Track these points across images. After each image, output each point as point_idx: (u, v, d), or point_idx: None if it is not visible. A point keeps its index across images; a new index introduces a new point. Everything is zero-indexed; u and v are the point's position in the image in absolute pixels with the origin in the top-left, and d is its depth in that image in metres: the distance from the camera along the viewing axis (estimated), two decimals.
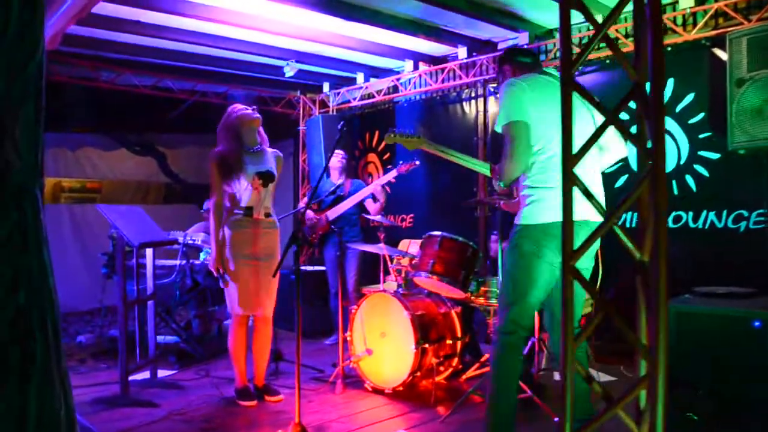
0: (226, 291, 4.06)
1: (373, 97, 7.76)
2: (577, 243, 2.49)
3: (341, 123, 3.76)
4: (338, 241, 5.16)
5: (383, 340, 4.41)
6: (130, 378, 4.24)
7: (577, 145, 1.46)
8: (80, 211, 8.69)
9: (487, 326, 4.32)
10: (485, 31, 6.30)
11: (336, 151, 5.89)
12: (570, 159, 1.54)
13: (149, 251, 4.52)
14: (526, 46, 3.54)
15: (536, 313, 3.11)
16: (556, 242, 2.69)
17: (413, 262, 4.52)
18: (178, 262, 5.16)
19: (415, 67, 7.20)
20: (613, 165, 3.07)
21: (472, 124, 6.70)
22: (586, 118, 2.84)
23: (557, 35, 6.07)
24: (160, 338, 5.41)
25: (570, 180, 1.53)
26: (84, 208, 8.71)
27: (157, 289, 4.63)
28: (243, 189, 4.00)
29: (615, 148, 2.95)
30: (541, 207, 2.74)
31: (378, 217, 4.95)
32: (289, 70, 6.91)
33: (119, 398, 4.15)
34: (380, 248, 4.74)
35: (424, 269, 4.23)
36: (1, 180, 1.62)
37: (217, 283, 4.75)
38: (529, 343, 4.21)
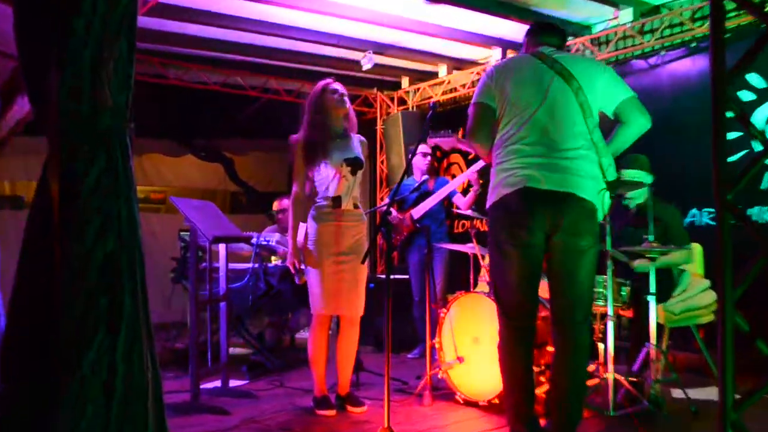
0: (309, 289, 4.07)
1: (456, 91, 7.74)
2: (547, 216, 2.91)
3: (432, 103, 3.80)
4: (425, 242, 5.14)
5: (476, 347, 4.34)
6: (200, 386, 4.32)
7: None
8: (143, 221, 8.97)
9: (593, 331, 4.17)
10: (580, 10, 6.23)
11: (420, 147, 5.92)
12: (724, 184, 1.47)
13: (222, 250, 4.63)
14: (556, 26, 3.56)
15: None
16: (509, 220, 2.95)
17: None
18: (251, 264, 5.24)
19: (504, 56, 7.15)
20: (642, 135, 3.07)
21: None
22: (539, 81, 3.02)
23: (665, 11, 5.92)
24: (231, 350, 5.49)
25: (724, 207, 1.46)
26: (148, 218, 8.97)
27: (229, 292, 4.70)
28: (330, 177, 4.02)
29: (635, 121, 3.00)
30: (494, 184, 3.03)
31: (470, 212, 4.93)
32: (366, 62, 6.99)
33: (190, 405, 4.22)
34: (471, 248, 4.68)
35: None
36: (92, 121, 1.68)
37: (294, 285, 4.82)
38: (642, 350, 4.08)
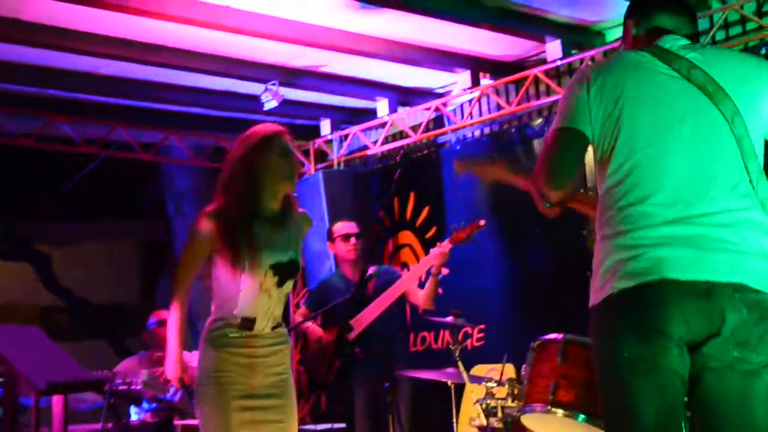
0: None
1: (405, 137, 7.70)
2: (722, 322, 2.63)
3: (401, 155, 3.71)
4: (376, 371, 5.16)
5: None
6: None
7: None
8: None
9: None
10: (589, 9, 6.28)
11: (339, 226, 6.06)
12: None
13: (58, 405, 4.38)
14: None
15: None
16: (636, 327, 2.73)
17: (515, 390, 4.48)
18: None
19: (475, 82, 7.18)
20: None
21: None
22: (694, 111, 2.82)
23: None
24: None
25: None
26: None
27: None
28: (244, 288, 3.96)
29: None
30: (603, 270, 2.81)
31: (449, 318, 5.02)
32: (270, 97, 6.90)
33: None
34: (452, 374, 4.77)
35: (538, 400, 4.15)
36: None
37: None
38: None
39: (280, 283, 4.00)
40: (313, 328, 5.92)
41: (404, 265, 7.66)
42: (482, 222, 5.34)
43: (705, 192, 2.74)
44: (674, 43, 2.90)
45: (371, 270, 5.91)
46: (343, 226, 6.03)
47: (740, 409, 2.74)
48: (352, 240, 5.98)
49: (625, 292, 2.73)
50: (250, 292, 3.96)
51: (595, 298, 2.83)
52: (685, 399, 2.79)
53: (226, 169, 4.06)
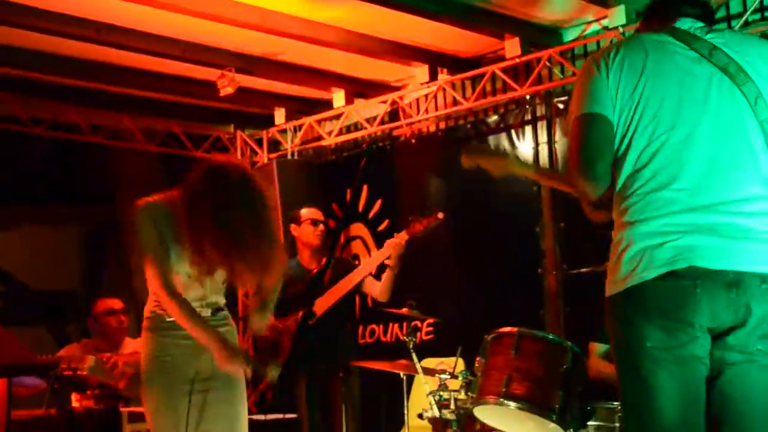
0: None
1: (360, 129, 7.70)
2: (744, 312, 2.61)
3: (368, 145, 3.71)
4: (322, 360, 5.21)
5: None
6: None
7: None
8: None
9: None
10: (548, 8, 6.31)
11: (307, 211, 6.02)
12: None
13: (1, 385, 4.35)
14: None
15: None
16: (661, 317, 2.68)
17: (469, 383, 4.44)
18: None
19: (432, 77, 7.17)
20: None
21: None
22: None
23: None
24: None
25: None
26: None
27: None
28: (182, 276, 3.99)
29: None
30: (627, 258, 2.74)
31: (405, 310, 5.01)
32: (226, 83, 6.84)
33: None
34: (400, 365, 4.87)
35: (491, 392, 4.17)
36: None
37: None
38: None
39: (210, 272, 3.98)
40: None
41: (355, 257, 7.69)
42: (440, 215, 5.36)
43: (729, 177, 2.71)
44: (692, 24, 2.83)
45: (328, 260, 5.91)
46: (311, 212, 6.01)
47: (763, 404, 2.70)
48: (321, 226, 6.00)
49: (652, 281, 2.67)
50: (180, 282, 3.99)
51: (616, 286, 2.76)
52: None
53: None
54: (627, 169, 2.77)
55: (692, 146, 2.70)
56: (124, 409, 5.21)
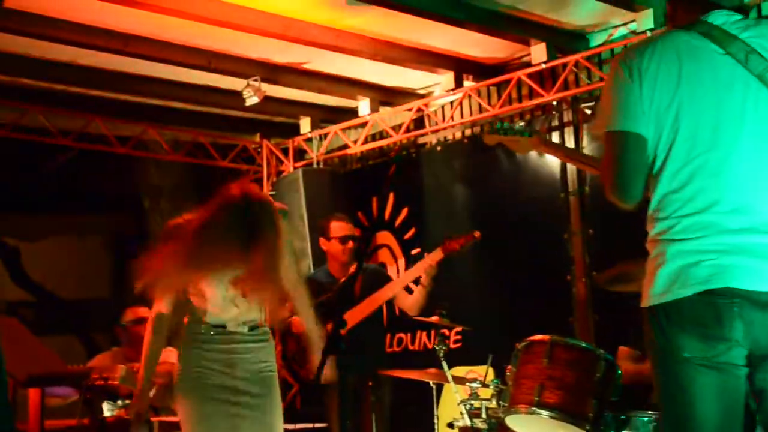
0: None
1: (385, 137, 7.70)
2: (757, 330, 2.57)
3: (397, 151, 3.71)
4: (356, 370, 5.15)
5: None
6: None
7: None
8: None
9: None
10: (575, 13, 6.31)
11: (336, 226, 5.94)
12: None
13: (35, 395, 4.32)
14: None
15: None
16: (697, 330, 2.66)
17: (501, 390, 4.47)
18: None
19: (458, 84, 7.17)
20: None
21: (556, 172, 6.65)
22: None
23: None
24: None
25: None
26: None
27: None
28: (218, 298, 4.09)
29: None
30: (664, 274, 2.70)
31: (435, 318, 5.02)
32: (251, 93, 6.85)
33: None
34: (430, 374, 4.86)
35: (524, 401, 4.15)
36: None
37: None
38: None
39: (243, 295, 4.07)
40: (299, 321, 5.83)
41: (382, 266, 7.58)
42: (477, 233, 5.33)
43: (766, 198, 2.65)
44: (727, 18, 2.70)
45: (358, 268, 5.88)
46: (341, 227, 5.97)
47: None
48: (350, 243, 5.96)
49: (688, 299, 2.64)
50: (215, 303, 4.10)
51: (652, 299, 2.72)
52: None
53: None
54: (662, 188, 2.72)
55: (730, 168, 2.65)
56: (154, 419, 5.22)
